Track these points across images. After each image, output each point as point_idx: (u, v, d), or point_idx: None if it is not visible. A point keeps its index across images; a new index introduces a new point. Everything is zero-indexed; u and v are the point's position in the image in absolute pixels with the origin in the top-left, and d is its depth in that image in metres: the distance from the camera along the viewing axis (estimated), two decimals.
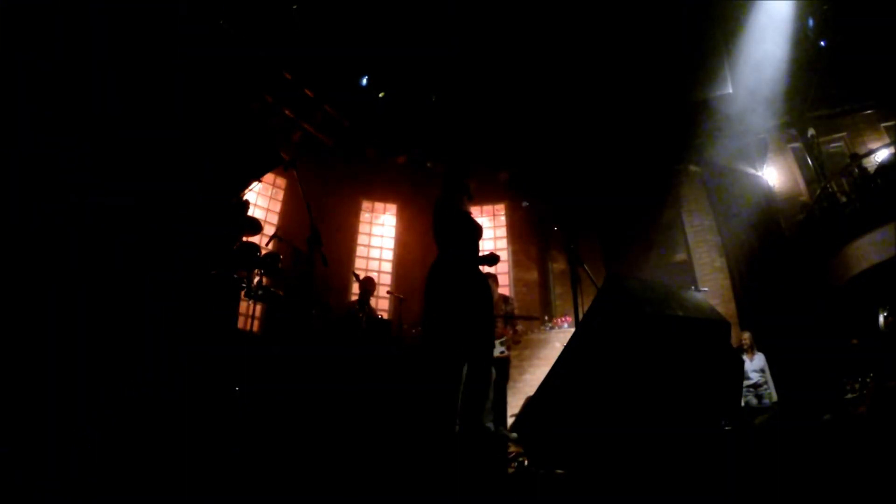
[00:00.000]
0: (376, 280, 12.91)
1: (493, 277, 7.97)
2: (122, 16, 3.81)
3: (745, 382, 9.22)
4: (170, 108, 4.09)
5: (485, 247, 5.32)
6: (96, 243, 3.37)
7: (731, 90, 12.13)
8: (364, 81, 12.74)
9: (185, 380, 4.32)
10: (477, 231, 5.25)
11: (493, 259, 5.22)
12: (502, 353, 7.95)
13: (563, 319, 10.00)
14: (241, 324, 8.65)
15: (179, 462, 3.17)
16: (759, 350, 9.57)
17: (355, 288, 10.02)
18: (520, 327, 8.55)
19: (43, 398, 2.90)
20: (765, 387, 9.27)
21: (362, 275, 10.25)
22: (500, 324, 7.94)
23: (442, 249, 5.08)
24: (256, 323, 10.31)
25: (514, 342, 8.24)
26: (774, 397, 9.16)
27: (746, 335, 9.75)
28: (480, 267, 5.14)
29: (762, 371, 9.38)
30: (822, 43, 11.39)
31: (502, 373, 7.78)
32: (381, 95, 12.87)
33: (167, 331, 3.89)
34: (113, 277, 3.46)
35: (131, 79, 3.84)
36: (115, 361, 3.39)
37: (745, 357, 9.46)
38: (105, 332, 3.35)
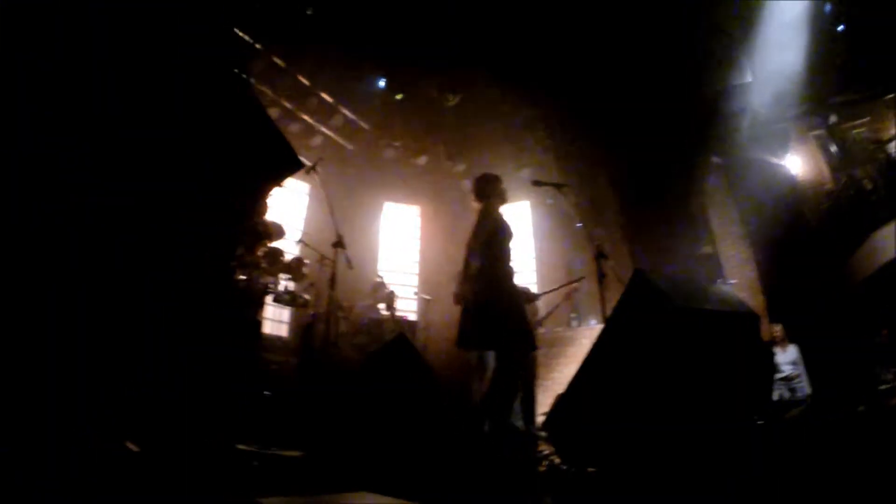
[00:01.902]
0: (402, 282, 12.99)
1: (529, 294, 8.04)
2: (122, 16, 3.82)
3: (778, 375, 9.11)
4: (170, 109, 4.09)
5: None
6: (96, 243, 3.38)
7: (750, 79, 12.00)
8: (381, 83, 12.76)
9: (185, 380, 4.36)
10: (511, 238, 5.38)
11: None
12: None
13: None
14: (268, 329, 8.73)
15: (179, 462, 3.19)
16: (791, 342, 9.46)
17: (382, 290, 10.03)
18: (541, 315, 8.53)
19: (43, 398, 2.92)
20: (798, 379, 9.14)
21: (386, 276, 10.29)
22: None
23: (483, 259, 5.13)
24: (285, 328, 10.40)
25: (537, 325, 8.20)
26: (808, 390, 9.02)
27: (778, 327, 9.61)
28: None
29: (795, 363, 9.25)
30: (841, 27, 11.23)
31: (530, 370, 7.76)
32: (399, 97, 12.89)
33: (167, 331, 3.90)
34: (113, 277, 3.47)
35: (133, 79, 3.85)
36: (115, 361, 3.40)
37: (776, 349, 9.35)
38: (105, 332, 3.36)
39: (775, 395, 8.92)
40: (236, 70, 5.23)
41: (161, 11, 4.17)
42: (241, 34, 9.83)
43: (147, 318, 3.73)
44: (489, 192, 5.44)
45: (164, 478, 2.84)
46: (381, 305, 9.28)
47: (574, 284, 9.10)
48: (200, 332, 4.40)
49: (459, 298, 5.41)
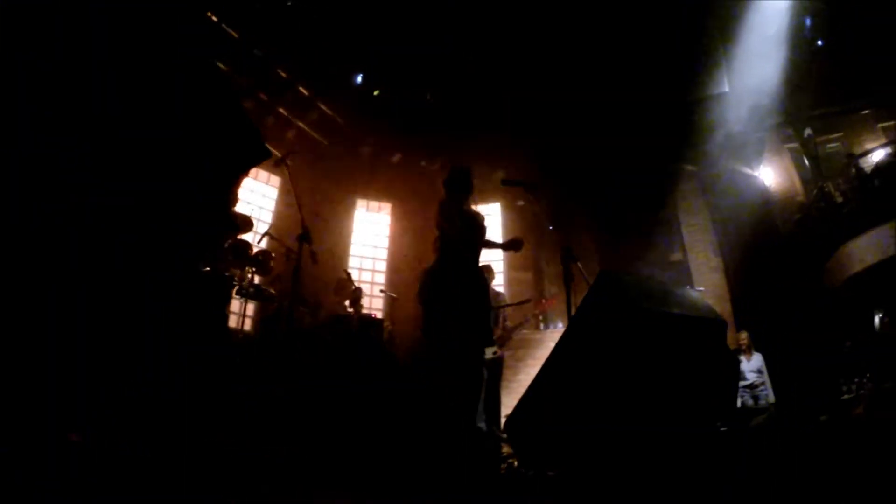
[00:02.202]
0: (370, 279, 12.89)
1: (489, 269, 8.00)
2: (122, 16, 3.75)
3: (742, 383, 9.16)
4: (170, 108, 4.02)
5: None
6: (96, 243, 3.31)
7: (727, 89, 12.07)
8: (359, 79, 12.68)
9: (185, 380, 4.28)
10: (480, 230, 5.34)
11: (516, 244, 5.40)
12: (495, 353, 7.87)
13: (549, 302, 9.83)
14: (233, 322, 8.61)
15: (179, 462, 3.12)
16: (756, 350, 9.51)
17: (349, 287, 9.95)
18: (509, 323, 8.47)
19: (43, 398, 2.85)
20: (762, 387, 9.20)
21: (355, 274, 10.22)
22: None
23: (443, 249, 5.14)
24: (248, 322, 10.27)
25: (505, 339, 8.15)
26: (772, 398, 9.08)
27: (744, 335, 9.65)
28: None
29: (759, 371, 9.30)
30: (820, 42, 11.33)
31: (495, 373, 7.72)
32: (375, 94, 12.81)
33: (167, 331, 3.83)
34: (113, 277, 3.40)
35: (131, 79, 3.77)
36: (115, 361, 3.33)
37: (742, 357, 9.41)
38: (105, 332, 3.29)
39: (739, 402, 8.98)
40: (205, 54, 5.13)
41: (160, 11, 4.09)
42: (214, 19, 9.73)
43: (147, 318, 3.66)
44: (455, 183, 5.47)
45: (115, 473, 2.76)
46: (347, 302, 9.20)
47: (542, 303, 9.16)
48: (162, 325, 4.32)
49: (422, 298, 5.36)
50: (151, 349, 3.63)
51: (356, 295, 9.13)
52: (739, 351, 9.47)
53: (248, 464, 3.74)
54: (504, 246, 5.79)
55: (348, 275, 9.69)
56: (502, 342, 8.00)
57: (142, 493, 2.58)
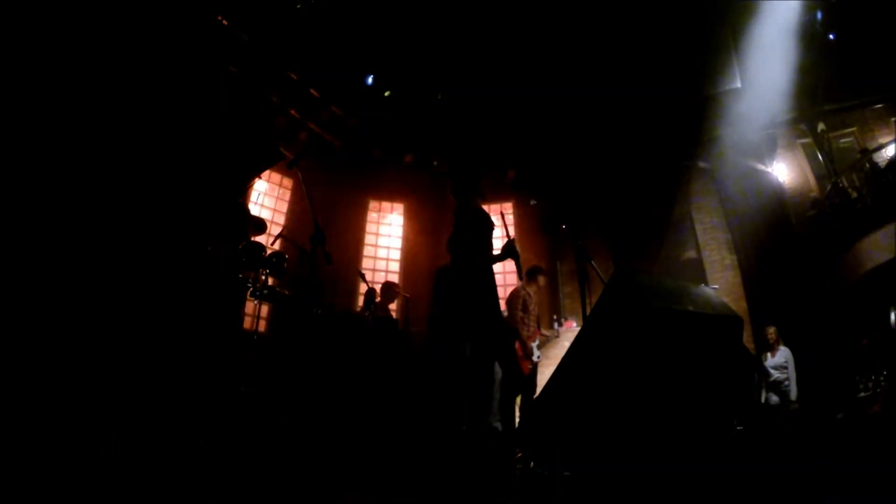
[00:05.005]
0: (382, 278, 12.88)
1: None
2: (127, 15, 3.77)
3: (769, 379, 9.09)
4: (181, 111, 4.04)
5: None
6: (96, 243, 3.32)
7: (739, 85, 12.00)
8: (370, 80, 12.68)
9: (189, 379, 4.29)
10: (492, 231, 5.33)
11: (511, 251, 5.31)
12: (538, 358, 7.81)
13: (568, 324, 9.82)
14: (247, 324, 8.64)
15: (180, 462, 3.13)
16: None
17: (363, 288, 9.95)
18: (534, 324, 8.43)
19: (43, 398, 2.86)
20: (786, 383, 9.07)
21: (369, 275, 10.22)
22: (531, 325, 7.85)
23: (458, 254, 5.11)
24: (263, 323, 10.29)
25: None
26: (794, 395, 8.97)
27: (772, 330, 9.47)
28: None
29: (784, 367, 9.15)
30: (831, 36, 11.25)
31: (532, 377, 7.61)
32: (386, 94, 12.82)
33: (169, 329, 3.85)
34: (114, 277, 3.41)
35: (135, 78, 3.79)
36: (116, 361, 3.34)
37: (767, 353, 9.31)
38: (106, 332, 3.30)
39: (763, 399, 8.92)
40: (221, 60, 5.16)
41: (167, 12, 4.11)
42: (227, 24, 9.77)
43: (149, 316, 3.67)
44: (466, 187, 5.41)
45: (165, 478, 2.78)
46: (361, 302, 9.21)
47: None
48: (176, 326, 4.33)
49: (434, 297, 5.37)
50: (152, 349, 3.64)
51: (370, 296, 9.13)
52: (767, 346, 9.39)
53: (255, 462, 3.76)
54: (500, 257, 5.57)
55: (362, 275, 9.69)
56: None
57: (143, 493, 2.58)
